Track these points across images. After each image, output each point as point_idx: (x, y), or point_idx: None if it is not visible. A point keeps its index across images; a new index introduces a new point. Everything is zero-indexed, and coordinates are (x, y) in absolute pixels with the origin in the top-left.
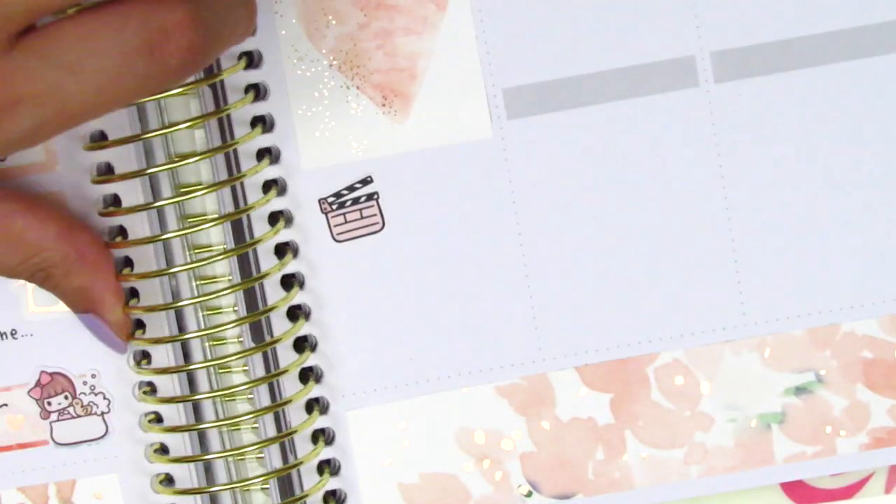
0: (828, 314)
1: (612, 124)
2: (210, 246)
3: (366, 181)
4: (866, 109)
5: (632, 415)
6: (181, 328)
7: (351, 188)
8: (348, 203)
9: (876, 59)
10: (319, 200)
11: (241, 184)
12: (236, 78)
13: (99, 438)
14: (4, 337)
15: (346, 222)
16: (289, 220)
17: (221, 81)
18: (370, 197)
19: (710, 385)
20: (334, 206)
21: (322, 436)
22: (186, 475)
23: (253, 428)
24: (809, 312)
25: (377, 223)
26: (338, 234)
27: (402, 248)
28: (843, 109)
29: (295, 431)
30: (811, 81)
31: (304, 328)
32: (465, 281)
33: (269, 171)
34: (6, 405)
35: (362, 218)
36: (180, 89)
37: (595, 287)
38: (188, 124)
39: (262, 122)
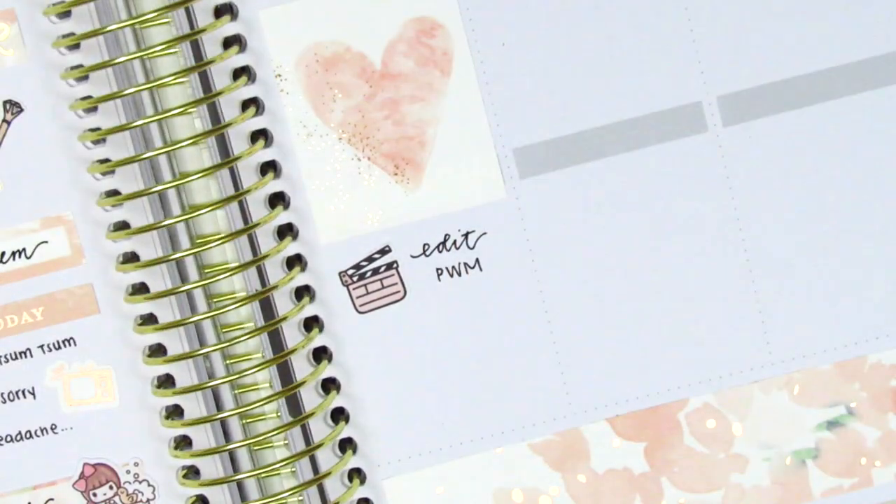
0: (853, 347)
1: (625, 175)
2: (240, 324)
3: (384, 251)
4: (878, 141)
5: (667, 462)
6: (218, 408)
7: (370, 259)
8: (368, 274)
9: (881, 91)
10: (340, 273)
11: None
12: (248, 157)
13: None
14: (45, 432)
15: (367, 293)
16: (312, 296)
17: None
18: (390, 266)
19: (743, 426)
20: (355, 279)
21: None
22: None
23: (299, 501)
24: (835, 346)
25: (399, 291)
26: (360, 305)
27: (426, 314)
28: (853, 142)
29: (339, 502)
30: (820, 117)
31: (336, 400)
32: (491, 341)
33: (290, 248)
34: (52, 499)
35: (383, 287)
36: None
37: (620, 337)
38: (209, 208)
39: (282, 200)
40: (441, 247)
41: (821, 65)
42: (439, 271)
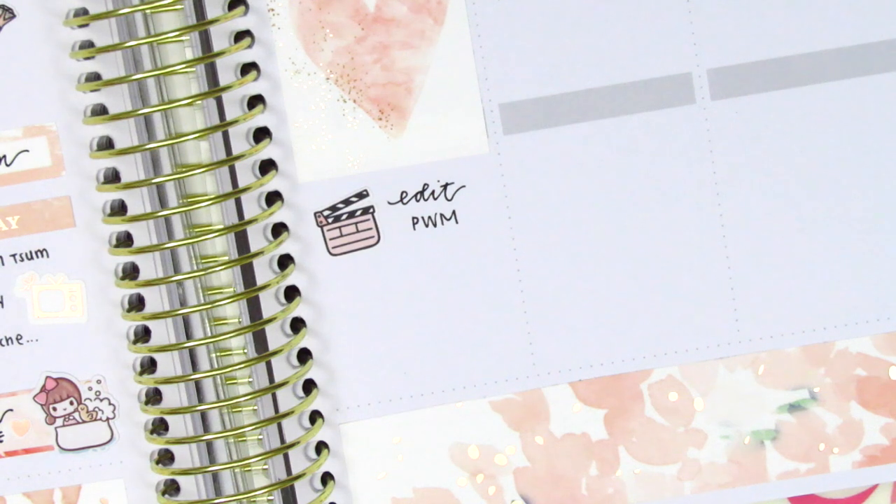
0: (822, 332)
1: (609, 140)
2: (215, 256)
3: (361, 195)
4: (862, 127)
5: (626, 430)
6: (188, 338)
7: (347, 202)
8: (344, 216)
9: (872, 78)
10: (315, 214)
11: (241, 197)
12: (245, 88)
13: (104, 444)
14: (10, 342)
15: (341, 236)
16: (293, 232)
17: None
18: (366, 211)
19: (704, 401)
20: (330, 220)
21: (326, 448)
22: (192, 484)
23: (258, 439)
24: (804, 330)
25: (372, 237)
26: (333, 247)
27: (398, 263)
28: (838, 127)
29: (299, 442)
30: (807, 99)
31: (303, 342)
32: (460, 296)
33: (276, 183)
34: (11, 410)
35: (358, 231)
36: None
37: (590, 303)
38: (195, 135)
39: (269, 136)
40: (419, 196)
41: (814, 47)
42: (415, 220)
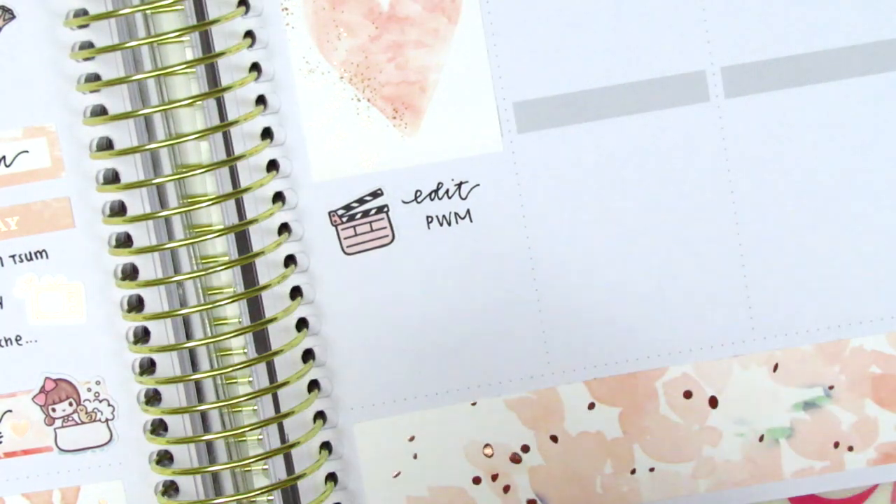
0: (836, 329)
1: (623, 138)
2: (215, 257)
3: (376, 194)
4: (876, 125)
5: (640, 429)
6: (188, 338)
7: (361, 201)
8: (358, 216)
9: (886, 76)
10: (329, 213)
11: (242, 197)
12: (246, 89)
13: (103, 445)
14: (9, 343)
15: (355, 234)
16: (295, 233)
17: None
18: (380, 210)
19: (719, 399)
20: (344, 219)
21: (327, 448)
22: (191, 484)
23: (258, 439)
24: (818, 327)
25: (387, 236)
26: (347, 246)
27: (412, 261)
28: (852, 125)
29: (299, 443)
30: (821, 97)
31: (310, 341)
32: (475, 294)
33: (279, 184)
34: (10, 411)
35: (372, 231)
36: (188, 101)
37: (604, 301)
38: (195, 136)
39: (270, 135)
40: (433, 195)
41: (828, 44)
42: (429, 219)
